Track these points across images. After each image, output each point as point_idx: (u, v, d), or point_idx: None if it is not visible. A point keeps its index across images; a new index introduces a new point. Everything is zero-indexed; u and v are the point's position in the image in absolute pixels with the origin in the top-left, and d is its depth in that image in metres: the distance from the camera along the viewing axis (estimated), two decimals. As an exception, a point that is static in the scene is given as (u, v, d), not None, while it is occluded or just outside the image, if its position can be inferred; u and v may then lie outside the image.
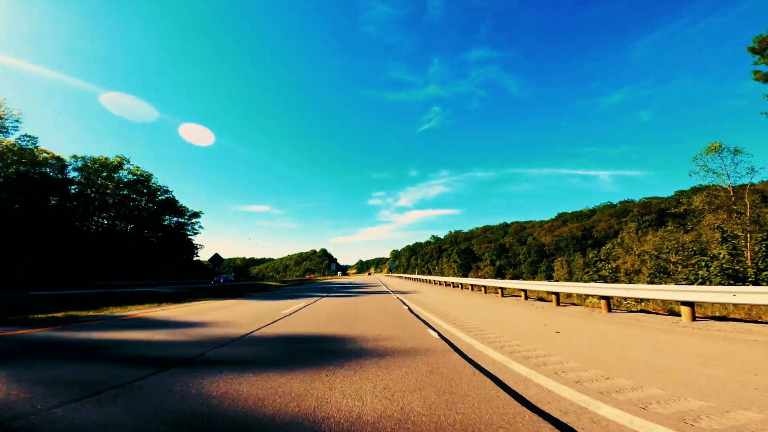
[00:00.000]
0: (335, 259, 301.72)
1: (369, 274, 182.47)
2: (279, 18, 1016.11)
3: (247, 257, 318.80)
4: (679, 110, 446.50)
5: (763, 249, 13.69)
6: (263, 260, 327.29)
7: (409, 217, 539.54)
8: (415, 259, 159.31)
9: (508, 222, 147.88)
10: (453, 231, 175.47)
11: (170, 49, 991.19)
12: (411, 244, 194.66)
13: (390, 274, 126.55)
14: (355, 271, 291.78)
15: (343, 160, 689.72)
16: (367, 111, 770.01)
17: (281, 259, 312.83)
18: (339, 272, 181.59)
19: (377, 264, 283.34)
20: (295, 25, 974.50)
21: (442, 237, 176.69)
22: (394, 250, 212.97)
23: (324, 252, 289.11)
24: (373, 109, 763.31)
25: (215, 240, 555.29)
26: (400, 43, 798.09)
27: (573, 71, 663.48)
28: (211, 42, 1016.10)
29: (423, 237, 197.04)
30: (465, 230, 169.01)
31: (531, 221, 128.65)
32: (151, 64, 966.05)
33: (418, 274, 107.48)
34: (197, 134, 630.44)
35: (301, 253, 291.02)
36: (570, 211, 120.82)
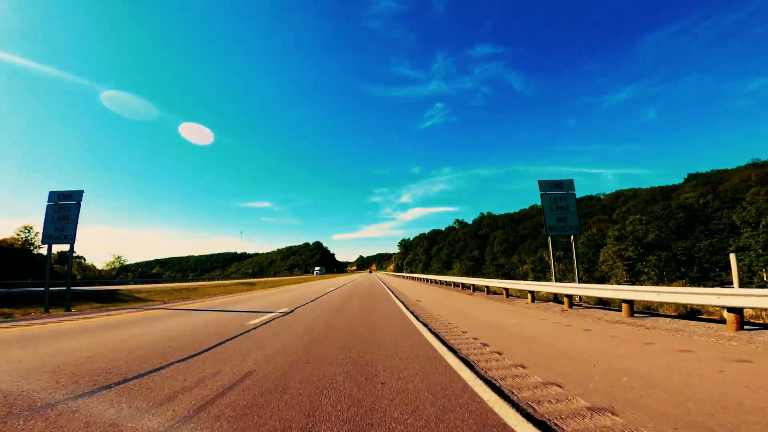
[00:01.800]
0: (332, 254, 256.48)
1: (370, 271, 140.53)
2: (280, 13, 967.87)
3: (239, 252, 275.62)
4: (686, 108, 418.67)
5: None
6: (256, 255, 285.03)
7: (411, 214, 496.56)
8: (438, 249, 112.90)
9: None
10: (484, 213, 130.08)
11: (170, 46, 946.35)
12: (427, 232, 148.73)
13: (397, 273, 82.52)
14: (355, 268, 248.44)
15: (344, 157, 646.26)
16: (369, 107, 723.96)
17: (268, 253, 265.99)
18: (317, 270, 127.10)
19: (379, 260, 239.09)
20: (297, 20, 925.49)
21: (469, 222, 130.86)
22: (404, 239, 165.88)
23: (318, 245, 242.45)
24: (376, 104, 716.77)
25: (214, 236, 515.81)
26: (404, 39, 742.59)
27: (578, 68, 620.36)
28: (213, 39, 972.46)
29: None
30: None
31: (648, 187, 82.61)
32: (149, 61, 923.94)
33: (459, 275, 60.94)
34: (196, 133, 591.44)
35: (290, 247, 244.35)
36: (702, 171, 75.07)
